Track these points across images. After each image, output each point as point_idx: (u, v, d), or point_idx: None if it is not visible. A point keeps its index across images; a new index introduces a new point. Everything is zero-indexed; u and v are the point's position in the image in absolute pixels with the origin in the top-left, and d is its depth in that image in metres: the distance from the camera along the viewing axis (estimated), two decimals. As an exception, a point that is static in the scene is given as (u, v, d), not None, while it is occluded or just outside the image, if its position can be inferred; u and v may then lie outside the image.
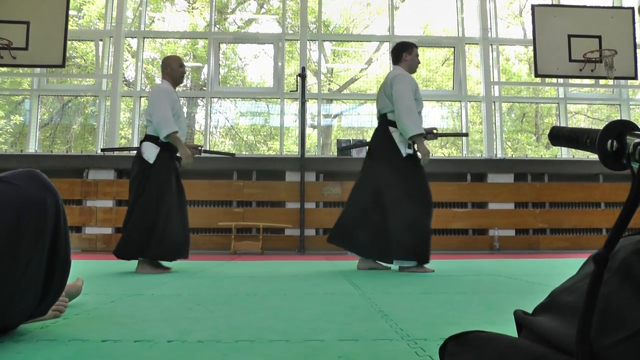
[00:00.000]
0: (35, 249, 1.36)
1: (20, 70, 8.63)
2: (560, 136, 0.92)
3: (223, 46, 9.34)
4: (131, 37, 9.15)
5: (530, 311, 0.76)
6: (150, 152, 4.28)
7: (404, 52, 4.49)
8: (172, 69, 4.45)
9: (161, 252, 4.13)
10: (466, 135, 5.92)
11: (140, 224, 4.09)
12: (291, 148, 8.97)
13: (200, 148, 4.72)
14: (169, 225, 4.15)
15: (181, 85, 4.71)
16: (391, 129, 4.34)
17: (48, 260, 1.42)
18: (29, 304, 1.42)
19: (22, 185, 1.36)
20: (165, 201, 4.18)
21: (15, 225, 1.30)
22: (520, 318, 0.74)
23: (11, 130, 9.81)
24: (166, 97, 4.29)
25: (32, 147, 8.44)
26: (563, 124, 8.93)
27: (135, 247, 4.07)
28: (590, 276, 0.61)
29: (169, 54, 4.77)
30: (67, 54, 7.89)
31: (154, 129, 4.26)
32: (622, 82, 8.70)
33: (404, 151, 4.27)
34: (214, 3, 9.07)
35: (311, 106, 8.67)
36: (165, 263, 4.42)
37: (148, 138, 4.35)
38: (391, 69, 4.61)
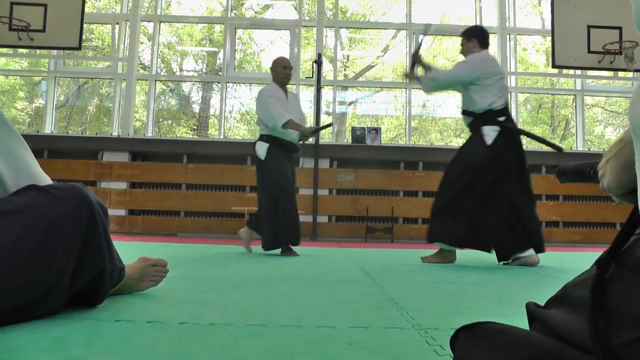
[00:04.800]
0: (68, 261, 1.39)
1: (38, 52, 8.67)
2: (566, 172, 0.94)
3: (239, 31, 9.33)
4: (147, 21, 9.15)
5: (542, 304, 0.76)
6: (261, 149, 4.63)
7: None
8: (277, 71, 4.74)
9: (292, 236, 4.49)
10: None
11: (269, 216, 4.42)
12: (305, 134, 8.96)
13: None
14: (291, 211, 4.48)
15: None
16: None
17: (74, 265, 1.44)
18: (56, 305, 1.46)
19: (60, 196, 1.40)
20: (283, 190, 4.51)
21: (49, 235, 1.34)
22: (532, 310, 0.74)
23: (30, 112, 9.89)
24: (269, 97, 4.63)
25: (49, 128, 8.50)
26: (579, 117, 8.84)
27: (280, 237, 4.42)
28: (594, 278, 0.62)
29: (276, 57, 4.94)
30: (84, 37, 7.91)
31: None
32: (642, 74, 8.58)
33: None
34: (230, -13, 9.05)
35: (326, 93, 8.65)
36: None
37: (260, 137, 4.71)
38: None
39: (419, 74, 4.38)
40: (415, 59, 4.36)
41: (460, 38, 4.35)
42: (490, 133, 3.98)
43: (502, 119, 4.04)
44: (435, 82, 4.21)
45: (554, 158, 8.21)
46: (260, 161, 4.60)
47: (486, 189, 3.91)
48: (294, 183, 4.67)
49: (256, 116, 4.81)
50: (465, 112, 4.20)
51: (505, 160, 3.97)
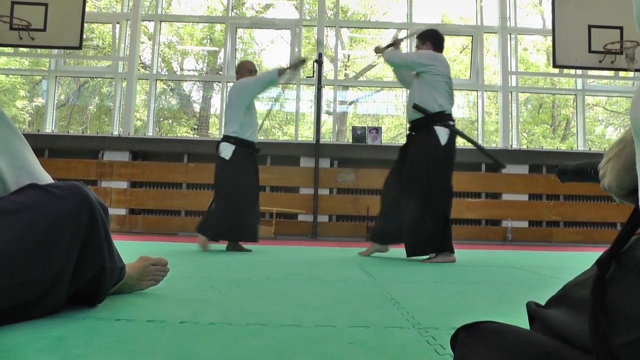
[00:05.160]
0: (68, 260, 1.39)
1: (39, 51, 8.68)
2: (567, 171, 0.95)
3: (240, 31, 9.33)
4: (148, 21, 9.15)
5: (542, 303, 0.76)
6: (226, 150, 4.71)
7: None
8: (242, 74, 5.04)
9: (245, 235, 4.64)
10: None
11: (225, 212, 4.56)
12: (306, 134, 8.96)
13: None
14: (249, 211, 4.62)
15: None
16: None
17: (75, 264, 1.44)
18: (56, 304, 1.46)
19: (61, 195, 1.39)
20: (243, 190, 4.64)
21: (50, 234, 1.34)
22: (533, 310, 0.74)
23: (31, 111, 9.89)
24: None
25: (49, 127, 8.50)
26: (580, 116, 8.83)
27: (226, 230, 4.59)
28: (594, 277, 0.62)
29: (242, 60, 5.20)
30: (84, 36, 7.91)
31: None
32: (643, 74, 8.56)
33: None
34: (231, -13, 9.04)
35: (327, 92, 8.64)
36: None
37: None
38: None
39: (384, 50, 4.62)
40: (393, 44, 4.64)
41: (416, 40, 4.54)
42: (443, 135, 4.14)
43: (451, 123, 4.23)
44: (390, 60, 4.54)
45: (555, 158, 8.21)
46: (224, 162, 4.66)
47: (445, 188, 4.13)
48: (257, 182, 4.84)
49: (228, 118, 4.91)
50: (417, 107, 4.25)
51: (453, 160, 4.22)
